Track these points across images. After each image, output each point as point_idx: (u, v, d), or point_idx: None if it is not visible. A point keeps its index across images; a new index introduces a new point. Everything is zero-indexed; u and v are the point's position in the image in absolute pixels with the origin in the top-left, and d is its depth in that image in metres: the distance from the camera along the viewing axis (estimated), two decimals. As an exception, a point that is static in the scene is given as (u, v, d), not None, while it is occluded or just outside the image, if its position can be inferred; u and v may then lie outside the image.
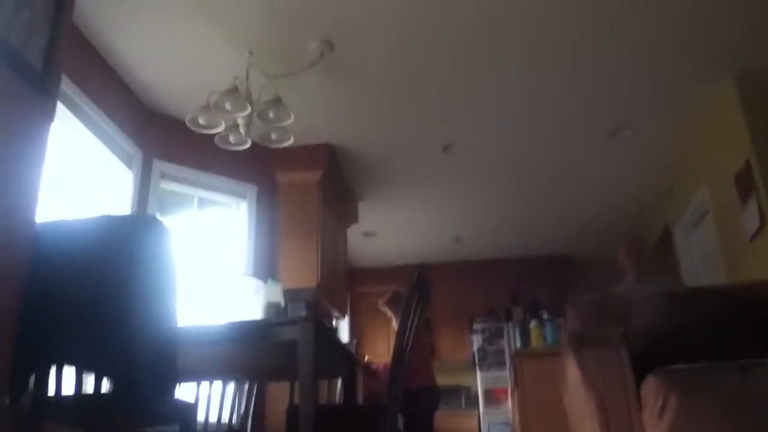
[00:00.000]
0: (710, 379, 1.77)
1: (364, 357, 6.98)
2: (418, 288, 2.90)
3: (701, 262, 5.74)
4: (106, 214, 2.82)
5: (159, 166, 4.62)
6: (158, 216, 4.34)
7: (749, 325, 2.10)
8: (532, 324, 4.76)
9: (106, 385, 2.15)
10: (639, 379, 1.87)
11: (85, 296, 1.83)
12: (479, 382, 7.51)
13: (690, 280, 5.73)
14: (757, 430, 1.67)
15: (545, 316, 6.12)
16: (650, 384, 1.82)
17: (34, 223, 1.85)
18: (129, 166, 4.38)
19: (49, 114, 1.98)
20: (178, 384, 2.14)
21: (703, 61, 4.36)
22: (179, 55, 4.15)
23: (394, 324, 5.40)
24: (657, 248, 6.85)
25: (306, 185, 5.27)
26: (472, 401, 7.72)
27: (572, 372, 2.05)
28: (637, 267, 4.79)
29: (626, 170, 5.93)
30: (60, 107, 3.67)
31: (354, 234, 6.88)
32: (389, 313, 5.41)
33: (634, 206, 6.74)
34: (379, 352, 7.59)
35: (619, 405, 1.88)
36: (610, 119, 5.07)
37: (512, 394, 5.92)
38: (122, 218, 2.40)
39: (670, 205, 6.27)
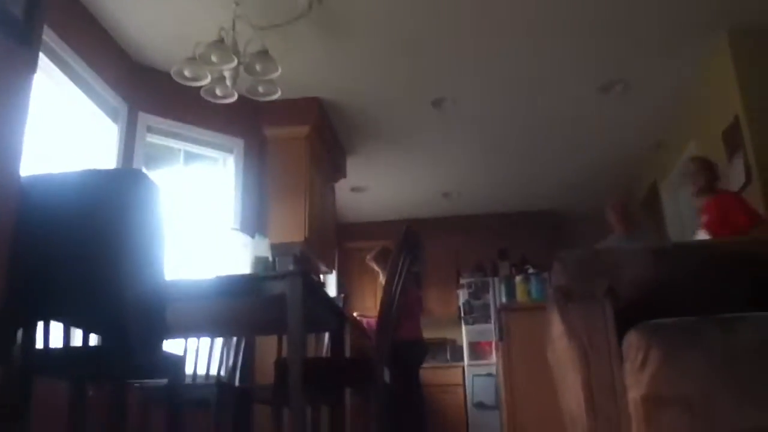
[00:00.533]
0: (692, 332, 1.80)
1: (353, 311, 7.05)
2: (407, 243, 2.92)
3: (688, 218, 5.79)
4: (92, 167, 2.79)
5: (145, 119, 4.55)
6: (144, 170, 4.30)
7: (734, 280, 2.13)
8: (518, 279, 4.79)
9: (94, 339, 2.16)
10: (624, 333, 1.90)
11: (73, 251, 1.82)
12: (464, 335, 7.63)
13: (676, 237, 5.79)
14: (739, 382, 1.71)
15: (531, 270, 6.18)
16: (632, 338, 1.84)
17: (19, 176, 1.83)
18: (114, 119, 4.31)
19: (32, 66, 1.94)
20: (166, 338, 2.15)
21: (696, 18, 4.32)
22: (165, 7, 4.06)
23: (381, 279, 5.45)
24: (645, 204, 6.90)
25: (294, 140, 5.23)
26: (458, 354, 7.85)
27: (556, 326, 2.08)
28: (625, 223, 4.82)
29: (617, 125, 5.92)
30: (44, 60, 3.59)
31: (342, 189, 6.87)
32: (377, 268, 5.44)
33: (623, 162, 6.75)
34: (368, 306, 7.66)
35: (601, 358, 1.92)
36: (602, 74, 5.04)
37: (497, 348, 6.01)
38: (108, 172, 2.37)
39: (659, 161, 6.29)
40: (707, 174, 4.10)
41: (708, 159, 4.29)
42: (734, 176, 4.46)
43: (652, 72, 5.00)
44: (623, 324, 1.93)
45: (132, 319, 1.79)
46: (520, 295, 4.72)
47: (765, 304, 2.01)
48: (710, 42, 4.57)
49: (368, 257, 5.55)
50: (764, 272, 2.17)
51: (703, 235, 3.92)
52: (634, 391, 1.80)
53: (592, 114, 5.66)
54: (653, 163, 6.47)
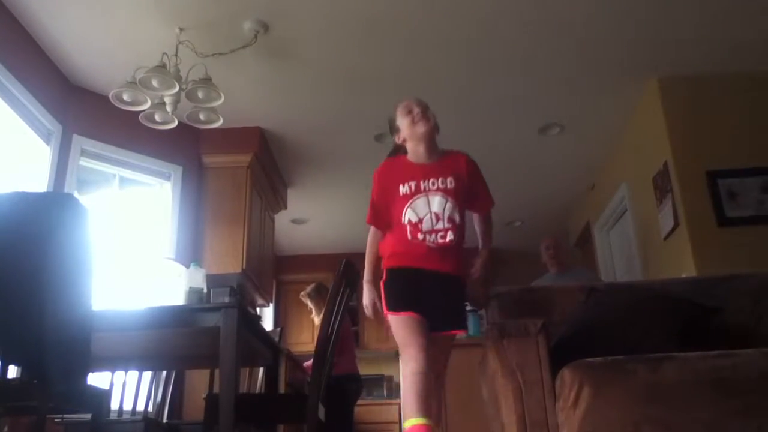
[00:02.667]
0: (622, 371, 1.84)
1: (288, 345, 6.93)
2: (346, 276, 2.90)
3: (619, 258, 5.98)
4: (20, 190, 2.68)
5: (79, 142, 4.42)
6: (76, 194, 4.16)
7: (663, 319, 2.20)
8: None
9: (13, 371, 2.05)
10: (557, 370, 1.92)
11: (-8, 276, 1.73)
12: (402, 371, 7.58)
13: (606, 276, 5.96)
14: (665, 420, 1.75)
15: (468, 307, 6.22)
16: (565, 376, 1.87)
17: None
18: (47, 141, 4.17)
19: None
20: (90, 370, 2.05)
21: (627, 64, 4.52)
22: (106, 29, 3.98)
23: (314, 316, 5.37)
24: (578, 244, 7.09)
25: (234, 169, 5.16)
26: (394, 391, 7.80)
27: (492, 363, 2.09)
28: (557, 262, 4.94)
29: (553, 166, 6.09)
30: (-29, 75, 3.46)
31: (282, 221, 6.80)
32: (310, 304, 5.36)
33: (559, 202, 6.94)
34: (304, 341, 7.56)
35: (535, 396, 1.93)
36: (540, 116, 5.19)
37: (434, 384, 5.99)
38: (36, 195, 2.28)
39: (593, 202, 6.50)
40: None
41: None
42: (663, 220, 4.64)
43: (586, 116, 5.19)
44: (556, 361, 1.95)
45: (52, 349, 1.71)
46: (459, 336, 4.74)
47: (692, 342, 2.07)
48: (641, 88, 4.79)
49: (302, 293, 5.47)
50: (692, 311, 2.25)
51: None
52: (567, 428, 1.81)
53: (531, 154, 5.81)
54: (587, 204, 6.67)
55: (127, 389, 3.30)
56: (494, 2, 3.85)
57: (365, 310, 2.75)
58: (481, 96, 4.87)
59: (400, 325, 2.48)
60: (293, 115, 5.11)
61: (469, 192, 2.72)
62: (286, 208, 6.40)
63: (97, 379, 3.02)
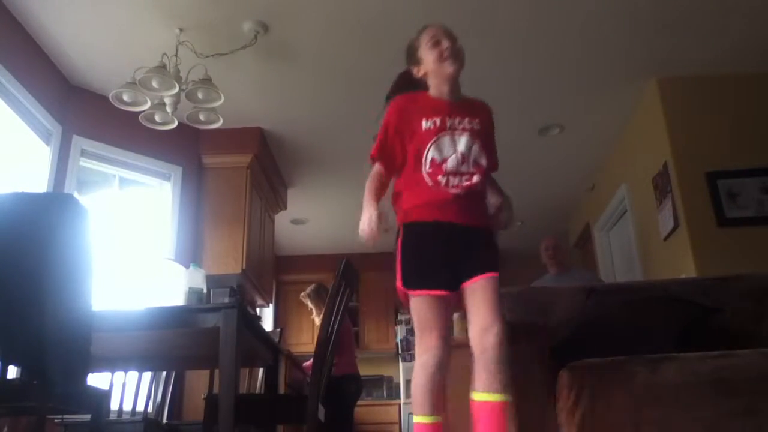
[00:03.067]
0: (621, 373, 1.84)
1: (289, 346, 6.93)
2: (346, 276, 2.90)
3: (619, 259, 5.98)
4: (20, 190, 2.68)
5: (79, 142, 4.42)
6: (76, 195, 4.16)
7: (662, 319, 2.20)
8: (456, 316, 4.81)
9: (12, 371, 2.05)
10: (557, 371, 1.92)
11: (-8, 277, 1.73)
12: (401, 372, 7.59)
13: (606, 277, 5.96)
14: (665, 422, 1.75)
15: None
16: (564, 377, 1.87)
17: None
18: (47, 141, 4.17)
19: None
20: (90, 370, 2.05)
21: (626, 65, 4.52)
22: (106, 30, 3.97)
23: (314, 316, 5.37)
24: (578, 244, 7.08)
25: (234, 169, 5.16)
26: (394, 391, 7.80)
27: (492, 364, 2.08)
28: (557, 262, 4.93)
29: (553, 167, 6.10)
30: (-29, 75, 3.45)
31: (282, 221, 6.80)
32: (310, 305, 5.37)
33: (559, 202, 6.94)
34: (304, 341, 7.56)
35: (534, 397, 1.93)
36: (540, 117, 5.19)
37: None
38: (35, 195, 2.28)
39: (592, 203, 6.50)
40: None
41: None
42: (663, 221, 4.63)
43: (586, 116, 5.19)
44: (556, 362, 1.95)
45: (52, 349, 1.70)
46: (457, 331, 4.74)
47: (692, 342, 2.07)
48: (641, 89, 4.78)
49: (302, 294, 5.47)
50: (692, 312, 2.25)
51: None
52: (567, 429, 1.81)
53: (531, 155, 5.81)
54: (587, 205, 6.67)
55: (127, 390, 3.30)
56: (493, 3, 3.85)
57: (360, 233, 2.32)
58: (481, 96, 4.86)
59: (420, 306, 2.13)
60: (293, 116, 5.11)
61: (488, 148, 2.40)
62: (285, 208, 6.40)
63: (96, 380, 3.02)
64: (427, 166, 2.24)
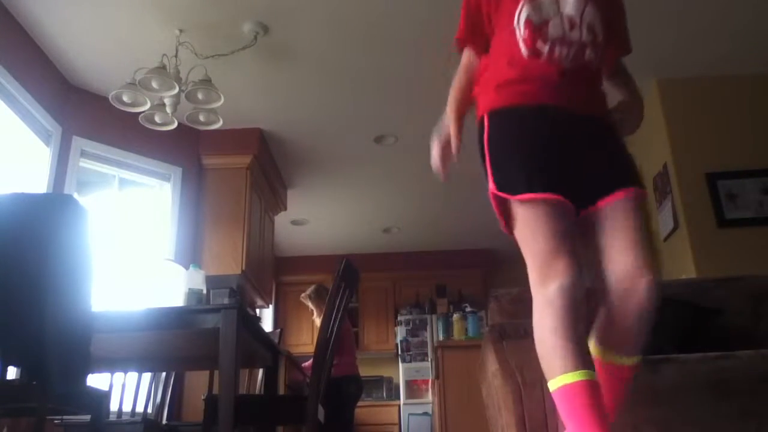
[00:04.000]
0: (622, 373, 1.84)
1: (288, 347, 6.93)
2: (346, 277, 2.90)
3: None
4: (20, 191, 2.68)
5: (79, 143, 4.42)
6: (76, 195, 4.16)
7: (663, 322, 2.19)
8: (455, 316, 4.83)
9: (12, 372, 2.05)
10: (555, 372, 1.92)
11: (-9, 277, 1.73)
12: (401, 373, 7.59)
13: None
14: (665, 422, 1.75)
15: (468, 308, 6.22)
16: (565, 377, 1.87)
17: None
18: (47, 142, 4.17)
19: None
20: (90, 371, 2.05)
21: (627, 65, 4.51)
22: (106, 31, 3.98)
23: (315, 317, 5.37)
24: (577, 246, 7.07)
25: (234, 170, 5.16)
26: (394, 392, 7.80)
27: (491, 364, 2.09)
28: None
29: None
30: (-29, 76, 3.46)
31: (282, 222, 6.80)
32: (311, 306, 5.37)
33: (557, 204, 6.92)
34: (303, 342, 7.56)
35: (535, 397, 1.93)
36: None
37: (433, 386, 6.00)
38: (34, 195, 2.29)
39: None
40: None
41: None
42: (662, 222, 4.63)
43: (587, 118, 5.18)
44: (556, 363, 1.95)
45: (52, 350, 1.71)
46: (457, 333, 4.75)
47: (692, 343, 2.07)
48: (641, 89, 4.76)
49: (303, 295, 5.47)
50: (692, 313, 2.25)
51: None
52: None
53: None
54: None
55: (127, 390, 3.30)
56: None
57: (432, 162, 1.85)
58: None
59: (531, 220, 1.53)
60: (293, 117, 5.11)
61: (610, 20, 1.81)
62: (285, 209, 6.40)
63: (96, 381, 3.02)
64: (521, 30, 1.64)
